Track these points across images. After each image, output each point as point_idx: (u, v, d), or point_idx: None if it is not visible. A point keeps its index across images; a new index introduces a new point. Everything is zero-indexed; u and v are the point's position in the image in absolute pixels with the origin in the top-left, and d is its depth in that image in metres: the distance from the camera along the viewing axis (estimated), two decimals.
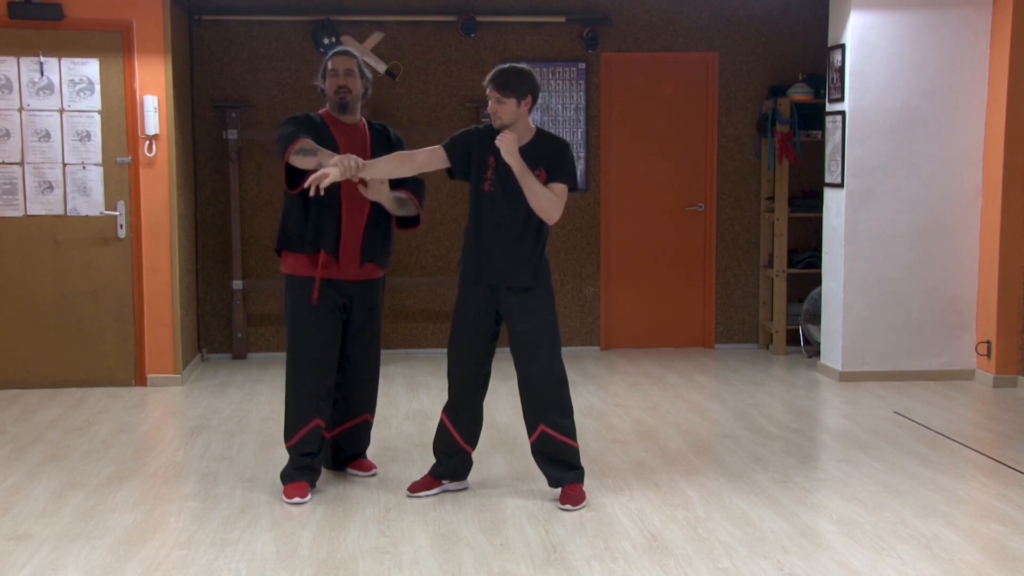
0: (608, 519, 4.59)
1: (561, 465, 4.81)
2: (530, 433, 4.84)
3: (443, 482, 4.97)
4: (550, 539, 4.36)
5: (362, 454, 5.31)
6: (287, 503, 4.79)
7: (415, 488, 4.94)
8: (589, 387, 7.25)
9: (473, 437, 4.97)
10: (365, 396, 5.22)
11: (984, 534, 4.46)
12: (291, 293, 4.94)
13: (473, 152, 4.76)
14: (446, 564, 4.11)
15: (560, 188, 4.68)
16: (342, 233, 4.86)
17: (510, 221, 4.69)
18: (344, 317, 4.99)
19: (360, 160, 4.64)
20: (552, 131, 8.20)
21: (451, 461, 4.95)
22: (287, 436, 4.96)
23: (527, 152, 4.66)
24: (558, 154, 4.72)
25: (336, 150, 4.80)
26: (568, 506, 4.72)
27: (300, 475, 4.91)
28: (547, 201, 4.63)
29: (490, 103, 4.67)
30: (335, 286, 4.91)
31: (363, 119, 5.05)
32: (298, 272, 4.90)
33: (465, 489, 5.00)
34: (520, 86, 4.64)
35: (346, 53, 4.97)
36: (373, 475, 5.22)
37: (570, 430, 4.81)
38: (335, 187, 4.73)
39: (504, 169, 4.66)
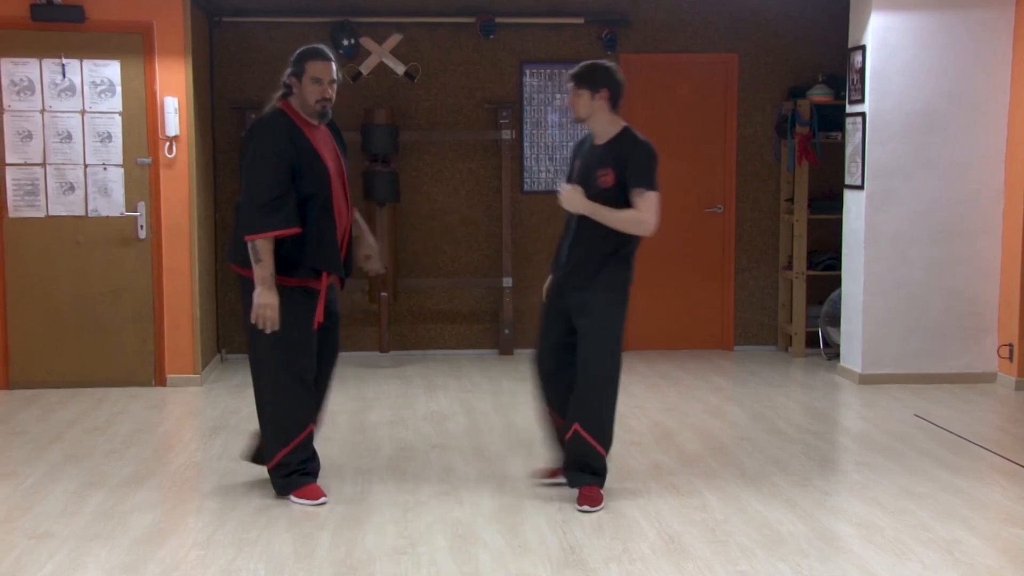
0: (626, 521, 4.58)
1: (583, 467, 4.78)
2: (566, 430, 4.80)
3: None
4: (568, 541, 4.34)
5: None
6: (312, 505, 4.76)
7: (542, 475, 4.99)
8: None
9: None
10: (320, 401, 5.09)
11: (1005, 538, 4.42)
12: (284, 303, 4.65)
13: (574, 158, 4.91)
14: (464, 565, 4.10)
15: (642, 198, 4.61)
16: (342, 253, 4.81)
17: (577, 221, 4.74)
18: None
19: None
20: (574, 132, 8.30)
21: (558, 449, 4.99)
22: (280, 446, 4.80)
23: (602, 150, 4.68)
24: (629, 156, 4.64)
25: (313, 152, 4.65)
26: (585, 507, 4.70)
27: (307, 479, 4.87)
28: (629, 222, 4.62)
29: (569, 95, 4.75)
30: (313, 294, 4.78)
31: None
32: (287, 283, 4.71)
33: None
34: (593, 79, 4.67)
35: (328, 58, 4.74)
36: None
37: (601, 435, 4.75)
38: (331, 207, 4.67)
39: (581, 172, 4.73)
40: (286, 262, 4.65)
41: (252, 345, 4.81)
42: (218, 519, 4.59)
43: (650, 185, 4.62)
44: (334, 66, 4.75)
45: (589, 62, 4.77)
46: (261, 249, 4.54)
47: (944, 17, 7.10)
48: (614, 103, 4.69)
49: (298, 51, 4.76)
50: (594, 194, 4.66)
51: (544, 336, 4.92)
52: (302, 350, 4.78)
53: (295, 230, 4.59)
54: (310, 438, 4.89)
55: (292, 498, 4.82)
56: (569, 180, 4.87)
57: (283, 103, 4.73)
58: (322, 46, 4.80)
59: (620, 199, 4.64)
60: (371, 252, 5.09)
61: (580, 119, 4.73)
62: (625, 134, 4.71)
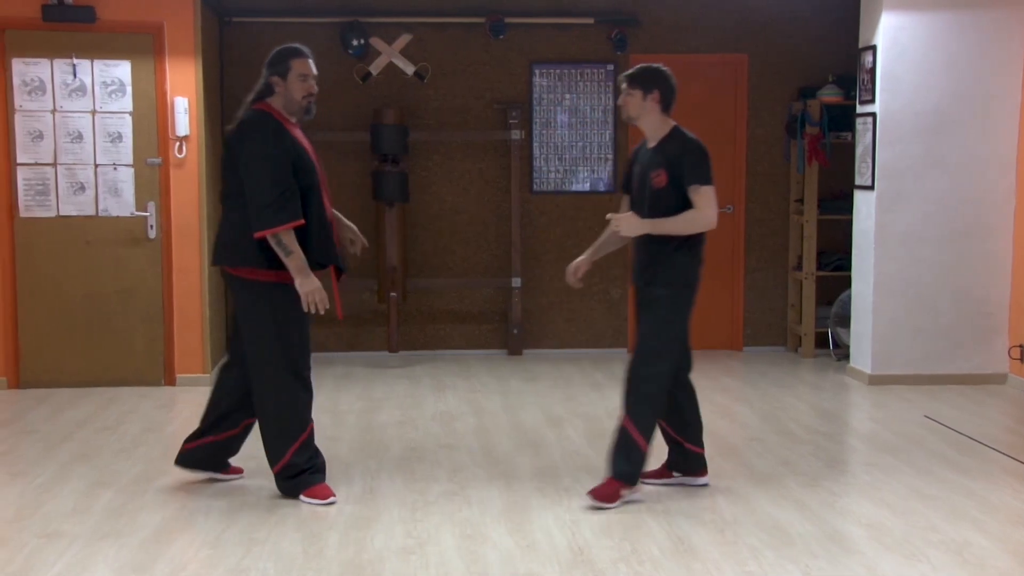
0: (635, 522, 4.56)
1: (619, 457, 4.75)
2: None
3: (673, 473, 5.07)
4: (576, 541, 4.33)
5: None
6: (321, 504, 4.76)
7: (645, 475, 4.98)
8: (616, 389, 7.12)
9: (682, 428, 4.99)
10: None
11: (1016, 540, 4.39)
12: (285, 301, 4.70)
13: (631, 165, 4.96)
14: (472, 565, 4.08)
15: (697, 194, 4.66)
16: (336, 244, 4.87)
17: None
18: None
19: None
20: (584, 132, 8.30)
21: (670, 452, 5.08)
22: (286, 446, 4.79)
23: (654, 152, 4.75)
24: (680, 154, 4.70)
25: (301, 147, 4.72)
26: (595, 502, 4.69)
27: (316, 477, 4.87)
28: (690, 223, 4.68)
29: (621, 95, 4.83)
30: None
31: None
32: (287, 280, 4.69)
33: (703, 486, 5.03)
34: (646, 80, 4.74)
35: (309, 54, 4.81)
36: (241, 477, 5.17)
37: (645, 429, 4.73)
38: (322, 200, 4.74)
39: (640, 177, 4.81)
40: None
41: (252, 346, 4.79)
42: (227, 518, 4.58)
43: (704, 180, 4.67)
44: (313, 61, 4.84)
45: (644, 64, 4.85)
46: (288, 241, 4.59)
47: (956, 17, 7.06)
48: (665, 106, 4.77)
49: (276, 51, 4.81)
50: (651, 195, 4.73)
51: None
52: (302, 348, 4.81)
53: (303, 222, 4.64)
54: (312, 435, 4.90)
55: (302, 498, 4.81)
56: (626, 188, 4.97)
57: (263, 104, 4.77)
58: (298, 44, 4.85)
59: (674, 197, 4.69)
60: (352, 234, 5.14)
61: (630, 119, 4.82)
62: (674, 133, 4.78)
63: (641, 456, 4.74)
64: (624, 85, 4.79)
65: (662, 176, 4.68)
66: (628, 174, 4.98)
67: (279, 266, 4.66)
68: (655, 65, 4.82)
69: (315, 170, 4.77)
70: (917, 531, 4.45)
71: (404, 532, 4.43)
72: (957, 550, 4.24)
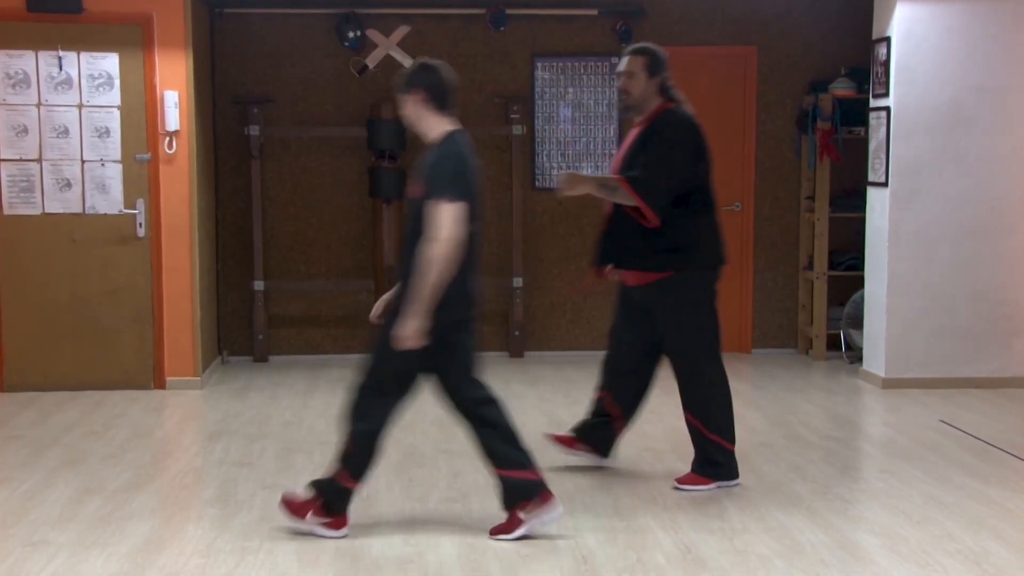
0: (641, 529, 4.51)
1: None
2: None
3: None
4: (580, 550, 4.28)
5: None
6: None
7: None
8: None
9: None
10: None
11: None
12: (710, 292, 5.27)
13: None
14: (473, 574, 4.05)
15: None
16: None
17: None
18: None
19: None
20: (588, 127, 8.21)
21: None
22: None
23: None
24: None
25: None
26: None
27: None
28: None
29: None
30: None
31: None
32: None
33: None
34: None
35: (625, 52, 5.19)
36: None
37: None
38: None
39: None
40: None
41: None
42: (219, 526, 4.55)
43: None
44: (624, 58, 5.12)
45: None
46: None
47: (972, 7, 7.00)
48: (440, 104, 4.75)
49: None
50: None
51: None
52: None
53: None
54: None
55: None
56: None
57: None
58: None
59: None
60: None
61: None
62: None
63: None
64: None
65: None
66: None
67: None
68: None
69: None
70: (933, 540, 4.39)
71: (402, 540, 4.39)
72: (975, 560, 4.17)
